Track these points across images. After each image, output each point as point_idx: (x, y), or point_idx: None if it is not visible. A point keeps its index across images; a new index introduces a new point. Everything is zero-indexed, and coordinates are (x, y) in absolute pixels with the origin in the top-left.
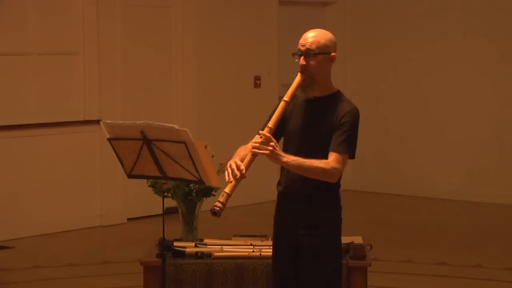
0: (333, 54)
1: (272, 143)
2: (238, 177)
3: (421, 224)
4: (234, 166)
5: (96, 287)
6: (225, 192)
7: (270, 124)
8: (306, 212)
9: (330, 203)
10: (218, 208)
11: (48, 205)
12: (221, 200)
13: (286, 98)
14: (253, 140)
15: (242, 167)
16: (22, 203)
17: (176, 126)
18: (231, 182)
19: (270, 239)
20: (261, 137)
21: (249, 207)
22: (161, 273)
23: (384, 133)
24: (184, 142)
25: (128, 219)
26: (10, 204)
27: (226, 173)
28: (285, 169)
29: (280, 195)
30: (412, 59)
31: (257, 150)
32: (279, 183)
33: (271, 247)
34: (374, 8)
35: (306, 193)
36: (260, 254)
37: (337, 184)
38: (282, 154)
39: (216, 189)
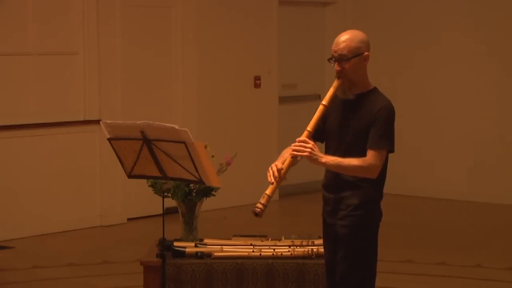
0: (366, 53)
1: (309, 145)
2: (277, 179)
3: (421, 224)
4: (275, 169)
5: (96, 287)
6: (266, 194)
7: (309, 128)
8: (342, 204)
9: (367, 197)
10: (259, 210)
11: (48, 205)
12: (262, 201)
13: (324, 102)
14: (293, 144)
15: (282, 170)
16: (22, 203)
17: (176, 126)
18: (272, 184)
19: (270, 239)
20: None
21: (249, 207)
22: (161, 273)
23: None
24: (184, 142)
25: (128, 219)
26: (10, 204)
27: (268, 175)
28: None
29: (323, 188)
30: (412, 59)
31: (296, 153)
32: (324, 178)
33: (271, 247)
34: (374, 8)
35: (344, 186)
36: (260, 254)
37: (378, 179)
38: (321, 155)
39: (216, 189)
